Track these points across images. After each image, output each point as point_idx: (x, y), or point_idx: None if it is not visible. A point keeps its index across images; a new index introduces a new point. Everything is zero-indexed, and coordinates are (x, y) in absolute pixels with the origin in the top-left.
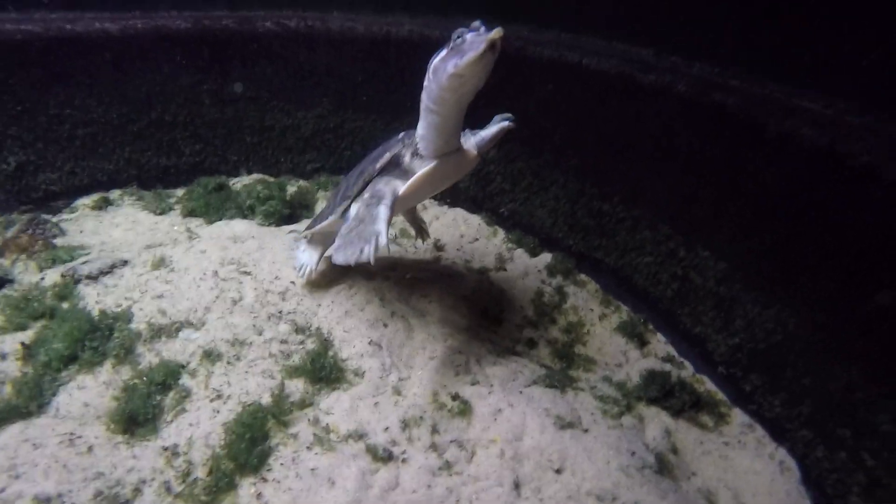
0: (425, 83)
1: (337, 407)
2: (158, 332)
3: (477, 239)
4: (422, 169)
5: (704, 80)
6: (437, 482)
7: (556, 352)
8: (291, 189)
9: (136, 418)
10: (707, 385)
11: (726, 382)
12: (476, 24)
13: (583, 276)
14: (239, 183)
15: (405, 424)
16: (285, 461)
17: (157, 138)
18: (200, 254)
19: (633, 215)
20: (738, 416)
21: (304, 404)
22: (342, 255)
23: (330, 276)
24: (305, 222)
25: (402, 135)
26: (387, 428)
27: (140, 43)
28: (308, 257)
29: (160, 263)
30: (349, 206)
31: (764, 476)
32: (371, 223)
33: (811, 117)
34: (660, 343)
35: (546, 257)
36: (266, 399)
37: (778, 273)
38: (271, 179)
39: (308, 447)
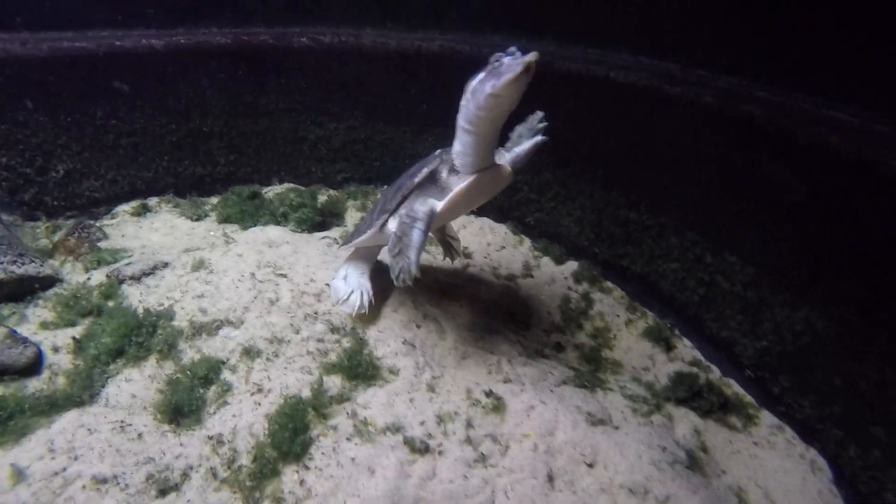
0: (462, 103)
1: (374, 401)
2: (199, 330)
3: (504, 247)
4: (459, 185)
5: (731, 92)
6: (472, 473)
7: (584, 355)
8: (322, 198)
9: (181, 409)
10: (734, 388)
11: (754, 385)
12: (512, 49)
13: (608, 284)
14: (271, 192)
15: (440, 419)
16: (326, 451)
17: (194, 148)
18: (237, 257)
19: (660, 222)
20: (766, 418)
21: (342, 399)
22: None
23: None
24: (336, 230)
25: (438, 152)
26: (423, 422)
27: (182, 58)
28: (356, 282)
29: (199, 266)
30: (388, 219)
31: (795, 475)
32: (406, 249)
33: (838, 125)
34: (686, 348)
35: (572, 265)
36: (306, 393)
37: (806, 276)
38: (302, 189)
39: (347, 438)
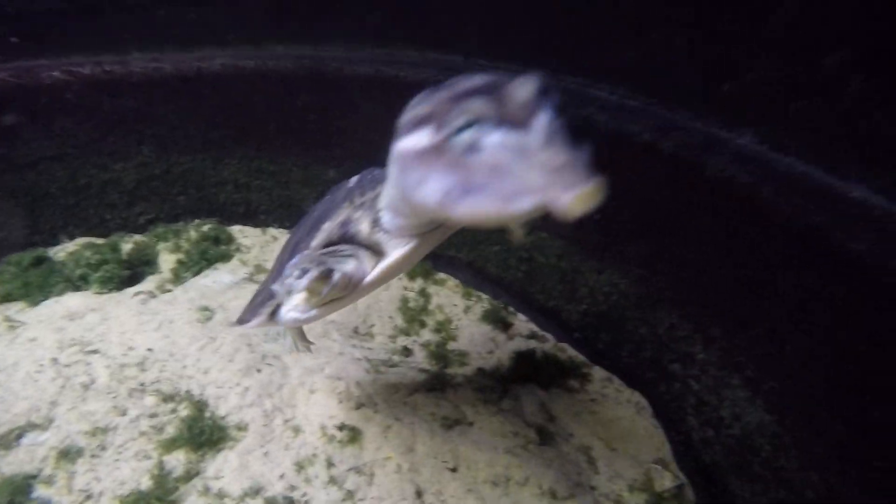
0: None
1: (226, 468)
2: None
3: None
4: (393, 253)
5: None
6: None
7: (432, 353)
8: (127, 247)
9: None
10: (569, 352)
11: (583, 345)
12: (525, 87)
13: (441, 275)
14: (62, 252)
15: (300, 466)
16: None
17: None
18: (30, 343)
19: None
20: (597, 373)
21: (189, 476)
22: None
23: (190, 333)
24: (152, 279)
25: (353, 181)
26: (282, 475)
27: None
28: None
29: None
30: (276, 306)
31: (625, 420)
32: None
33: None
34: (522, 322)
35: None
36: (146, 483)
37: (603, 242)
38: (100, 241)
39: None
